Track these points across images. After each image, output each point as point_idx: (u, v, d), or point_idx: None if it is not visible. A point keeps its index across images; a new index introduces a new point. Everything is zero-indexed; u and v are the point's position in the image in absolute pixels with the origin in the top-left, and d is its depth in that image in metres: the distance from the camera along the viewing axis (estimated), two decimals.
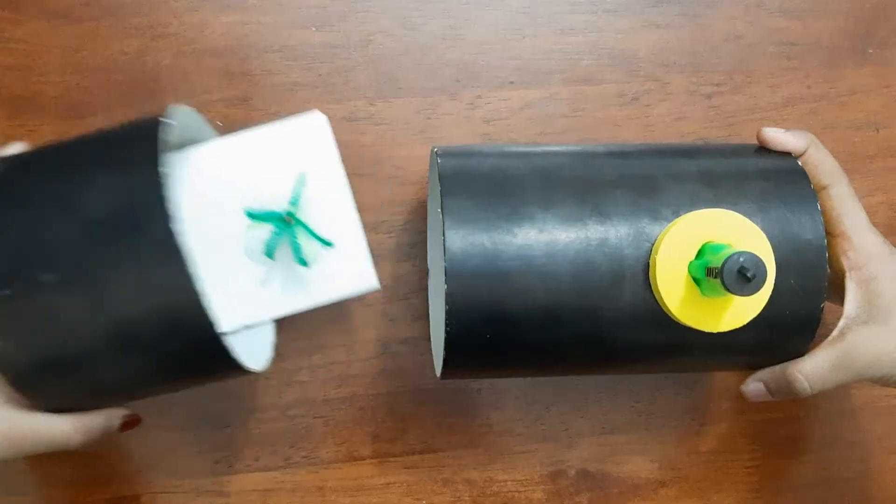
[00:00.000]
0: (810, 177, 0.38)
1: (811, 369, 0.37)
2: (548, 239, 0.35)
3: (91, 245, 0.32)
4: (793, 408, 0.49)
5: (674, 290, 0.35)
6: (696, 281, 0.34)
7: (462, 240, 0.35)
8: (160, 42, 0.45)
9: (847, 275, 0.38)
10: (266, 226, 0.39)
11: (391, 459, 0.47)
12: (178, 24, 0.46)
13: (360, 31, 0.46)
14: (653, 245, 0.35)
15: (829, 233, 0.38)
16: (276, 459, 0.46)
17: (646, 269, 0.35)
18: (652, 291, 0.35)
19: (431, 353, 0.46)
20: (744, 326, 0.35)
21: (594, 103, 0.48)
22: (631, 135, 0.48)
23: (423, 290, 0.47)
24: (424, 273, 0.47)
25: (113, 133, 0.36)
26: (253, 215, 0.38)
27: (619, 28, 0.48)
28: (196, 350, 0.34)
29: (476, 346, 0.36)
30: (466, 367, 0.39)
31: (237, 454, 0.46)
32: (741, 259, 0.31)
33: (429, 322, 0.46)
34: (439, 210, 0.36)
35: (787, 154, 0.39)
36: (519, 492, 0.47)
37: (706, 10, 0.49)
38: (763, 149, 0.40)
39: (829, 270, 0.37)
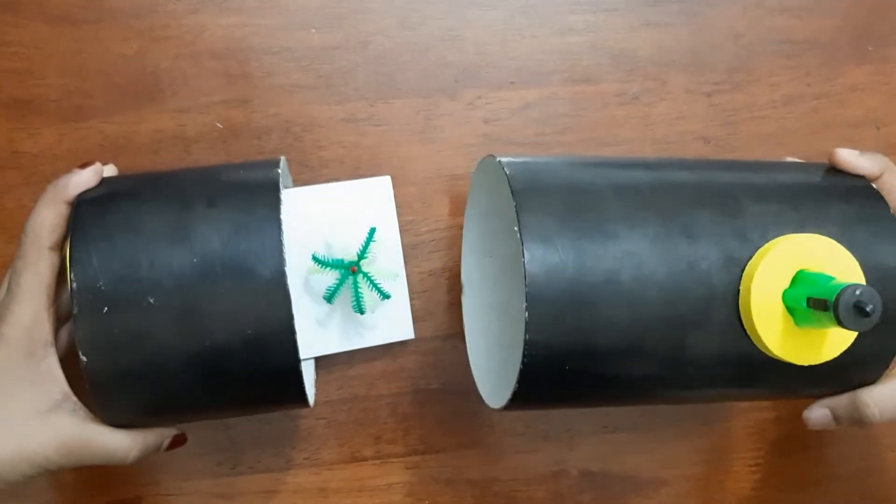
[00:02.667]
0: (888, 202, 0.37)
1: (882, 396, 0.36)
2: (636, 262, 0.32)
3: (200, 276, 0.33)
4: (795, 406, 0.49)
5: (768, 320, 0.32)
6: (791, 311, 0.33)
7: (543, 262, 0.32)
8: (160, 44, 0.45)
9: None
10: (329, 272, 0.40)
11: (393, 460, 0.47)
12: (177, 26, 0.46)
13: (360, 32, 0.46)
14: (743, 270, 0.33)
15: None
16: (279, 461, 0.46)
17: (735, 297, 0.33)
18: (740, 321, 0.33)
19: (472, 378, 0.43)
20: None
21: (594, 103, 0.48)
22: (631, 134, 0.48)
23: (424, 291, 0.47)
24: (425, 274, 0.47)
25: (228, 173, 0.37)
26: (320, 261, 0.40)
27: (619, 27, 0.48)
28: (274, 382, 0.35)
29: (553, 378, 0.33)
30: (536, 400, 0.36)
31: (239, 456, 0.46)
32: (858, 292, 0.30)
33: (447, 325, 0.46)
34: (515, 229, 0.32)
35: (860, 176, 0.38)
36: (521, 491, 0.48)
37: (706, 9, 0.49)
38: (834, 169, 0.38)
39: None
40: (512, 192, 0.33)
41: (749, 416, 0.49)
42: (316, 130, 0.46)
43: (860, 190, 0.37)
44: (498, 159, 0.35)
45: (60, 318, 0.37)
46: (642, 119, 0.48)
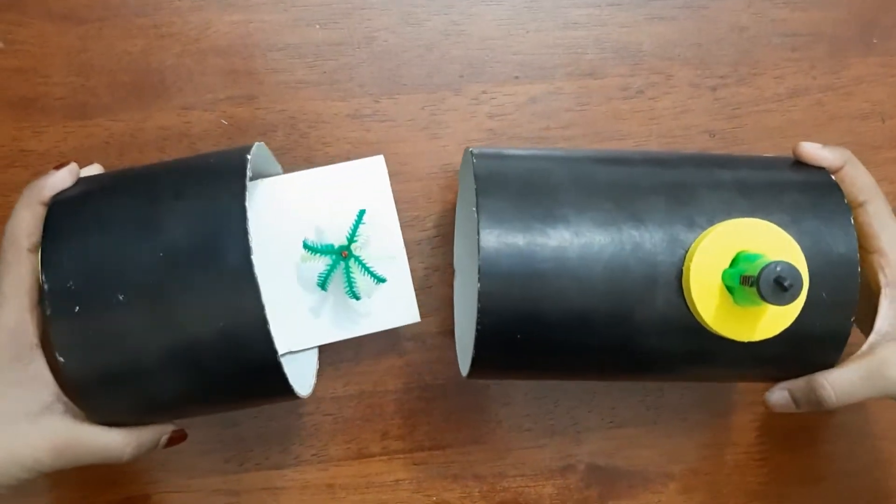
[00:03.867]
0: (846, 193, 0.38)
1: (839, 380, 0.37)
2: (582, 242, 0.35)
3: (168, 269, 0.33)
4: None
5: (707, 297, 0.34)
6: (730, 289, 0.34)
7: (497, 239, 0.35)
8: (164, 42, 0.45)
9: (882, 291, 0.38)
10: (321, 258, 0.40)
11: (400, 456, 0.47)
12: (181, 23, 0.46)
13: (364, 28, 0.46)
14: (687, 252, 0.35)
15: (866, 249, 0.38)
16: (286, 457, 0.46)
17: (679, 276, 0.35)
18: (684, 299, 0.35)
19: (455, 352, 0.46)
20: (773, 338, 0.35)
21: (598, 97, 0.48)
22: (636, 128, 0.48)
23: (430, 286, 0.47)
24: (430, 270, 0.47)
25: (197, 163, 0.37)
26: (310, 248, 0.40)
27: (623, 21, 0.48)
28: (254, 374, 0.35)
29: (506, 345, 0.36)
30: (494, 367, 0.39)
31: (246, 453, 0.46)
32: (778, 268, 0.31)
33: (453, 321, 0.46)
34: (473, 209, 0.36)
35: (822, 169, 0.39)
36: (529, 487, 0.47)
37: (710, 3, 0.48)
38: (799, 162, 0.40)
39: (865, 288, 0.37)
40: (475, 178, 0.36)
41: (756, 410, 0.49)
42: (321, 127, 0.46)
43: (818, 181, 0.38)
44: (470, 150, 0.38)
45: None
46: (647, 113, 0.48)
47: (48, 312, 0.33)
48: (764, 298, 0.31)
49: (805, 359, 0.38)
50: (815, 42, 0.49)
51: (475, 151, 0.38)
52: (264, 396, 0.39)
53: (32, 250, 0.35)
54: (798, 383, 0.38)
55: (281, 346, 0.41)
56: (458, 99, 0.47)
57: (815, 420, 0.49)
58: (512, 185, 0.36)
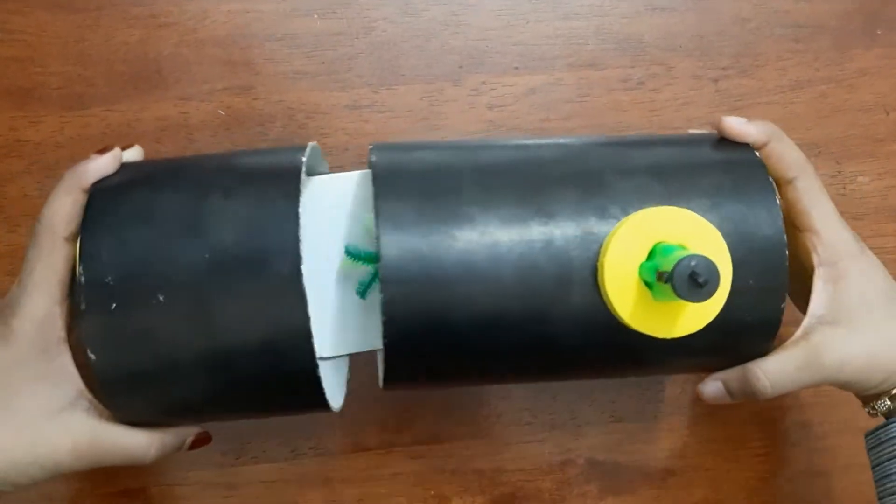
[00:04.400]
0: (774, 170, 0.36)
1: (773, 369, 0.35)
2: (489, 242, 0.33)
3: (212, 271, 0.32)
4: (803, 395, 0.48)
5: (624, 294, 0.33)
6: (648, 284, 0.32)
7: (398, 246, 0.32)
8: (162, 31, 0.45)
9: (815, 272, 0.36)
10: (362, 266, 0.38)
11: (399, 450, 0.46)
12: (179, 13, 0.45)
13: (363, 18, 0.46)
14: (601, 246, 0.33)
15: (798, 228, 0.37)
16: (283, 451, 0.46)
17: (595, 272, 0.33)
18: (601, 295, 0.33)
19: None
20: (702, 330, 0.33)
21: (599, 88, 0.47)
22: (637, 120, 0.48)
23: None
24: None
25: (248, 161, 0.36)
26: (353, 254, 0.37)
27: (624, 12, 0.48)
28: (290, 385, 0.34)
29: (417, 355, 0.34)
30: (409, 378, 0.37)
31: (244, 446, 0.46)
32: (693, 263, 0.29)
33: None
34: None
35: (746, 146, 0.37)
36: (528, 481, 0.47)
37: None
38: (723, 140, 0.37)
39: (799, 267, 0.36)
40: (373, 178, 0.34)
41: (757, 405, 0.48)
42: (319, 118, 0.46)
43: (740, 159, 0.36)
44: (370, 146, 0.36)
45: (74, 313, 0.35)
46: (648, 105, 0.48)
47: (83, 307, 0.32)
48: (679, 296, 0.30)
49: (737, 349, 0.36)
50: (819, 34, 0.49)
51: (377, 147, 0.36)
52: (297, 408, 0.38)
53: (70, 239, 0.33)
54: (732, 374, 0.37)
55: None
56: (457, 90, 0.47)
57: (816, 415, 0.49)
58: (414, 184, 0.34)
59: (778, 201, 0.35)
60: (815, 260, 0.36)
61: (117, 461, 0.34)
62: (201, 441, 0.38)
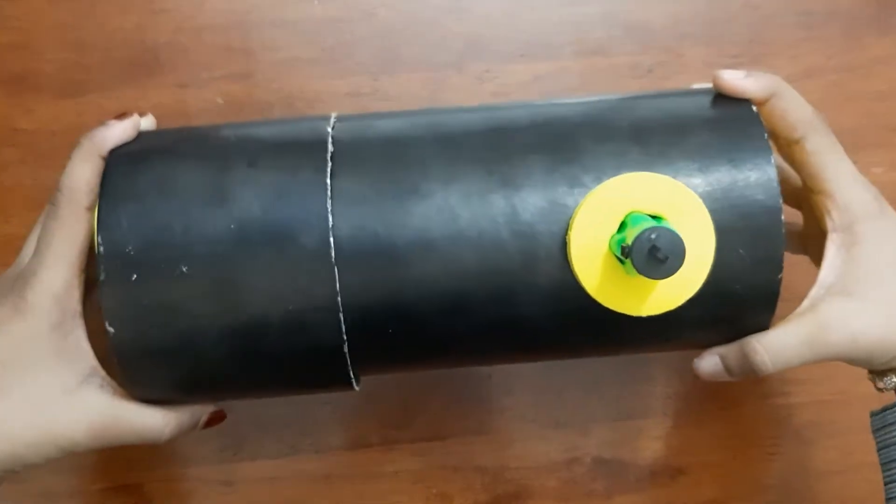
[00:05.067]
0: (779, 129, 0.33)
1: (775, 343, 0.32)
2: (447, 218, 0.31)
3: (237, 244, 0.30)
4: (814, 391, 0.47)
5: (593, 269, 0.30)
6: (620, 259, 0.30)
7: (350, 225, 0.31)
8: (159, 18, 0.44)
9: (829, 237, 0.33)
10: None
11: (400, 446, 0.46)
12: None
13: (364, 3, 0.45)
14: (570, 219, 0.31)
15: (812, 190, 0.34)
16: (283, 447, 0.45)
17: (563, 248, 0.31)
18: (571, 272, 0.31)
19: None
20: (689, 303, 0.31)
21: (606, 76, 0.46)
22: None
23: None
24: None
25: (273, 130, 0.34)
26: None
27: None
28: (316, 361, 0.32)
29: (378, 340, 0.32)
30: (374, 363, 0.35)
31: (242, 442, 0.45)
32: (653, 236, 0.27)
33: None
34: None
35: (744, 101, 0.33)
36: (532, 480, 0.46)
37: None
38: (720, 97, 0.34)
39: (819, 232, 0.34)
40: (330, 155, 0.32)
41: (768, 401, 0.47)
42: (319, 105, 0.45)
43: (735, 117, 0.33)
44: (334, 117, 0.34)
45: (88, 286, 0.34)
46: None
47: (102, 277, 0.30)
48: (639, 272, 0.27)
49: (733, 323, 0.33)
50: (831, 21, 0.48)
51: (338, 117, 0.34)
52: (321, 385, 0.36)
53: (91, 208, 0.32)
54: (731, 348, 0.34)
55: None
56: (460, 78, 0.46)
57: (829, 412, 0.47)
58: (374, 158, 0.32)
59: (773, 162, 0.31)
60: (829, 224, 0.33)
61: (131, 440, 0.33)
62: (216, 419, 0.37)
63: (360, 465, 0.45)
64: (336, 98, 0.45)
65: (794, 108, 0.33)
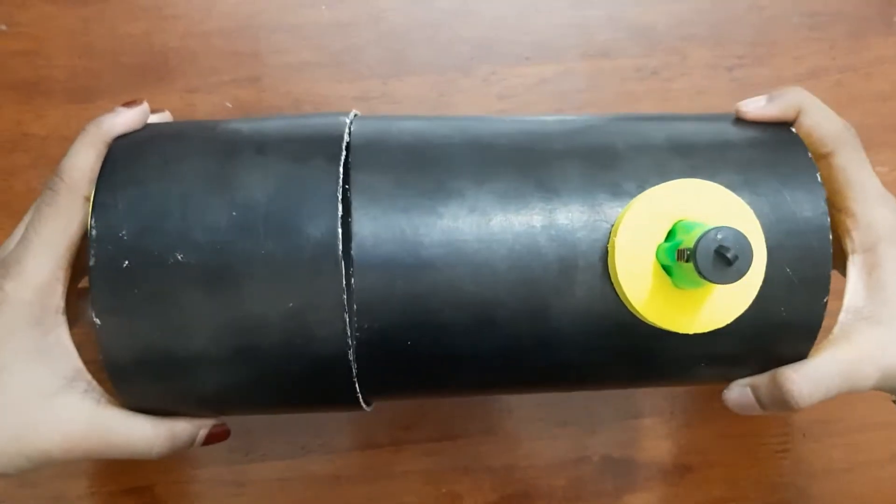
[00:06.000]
0: (808, 145, 0.32)
1: (812, 374, 0.30)
2: (480, 220, 0.28)
3: (238, 232, 0.28)
4: None
5: (638, 280, 0.28)
6: (667, 269, 0.28)
7: (373, 222, 0.28)
8: (168, 23, 0.45)
9: (850, 258, 0.32)
10: None
11: (409, 446, 0.46)
12: (185, 4, 0.45)
13: (371, 7, 0.45)
14: (612, 226, 0.29)
15: (835, 208, 0.32)
16: (293, 448, 0.45)
17: (604, 257, 0.29)
18: (611, 284, 0.29)
19: None
20: (728, 328, 0.29)
21: (612, 78, 0.47)
22: (650, 110, 0.47)
23: None
24: None
25: (288, 122, 0.32)
26: None
27: (637, 0, 0.47)
28: (318, 367, 0.29)
29: (394, 356, 0.29)
30: (385, 385, 0.32)
31: (253, 443, 0.45)
32: (719, 236, 0.25)
33: None
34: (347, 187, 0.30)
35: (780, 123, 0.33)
36: (541, 479, 0.46)
37: None
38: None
39: (843, 251, 0.32)
40: (349, 150, 0.30)
41: None
42: (327, 109, 0.45)
43: (773, 133, 0.32)
44: (353, 113, 0.32)
45: (74, 280, 0.31)
46: (662, 94, 0.47)
47: (91, 262, 0.28)
48: (702, 275, 0.25)
49: (771, 351, 0.31)
50: (835, 21, 0.48)
51: (357, 116, 0.32)
52: (326, 400, 0.32)
53: (88, 198, 0.29)
54: (762, 379, 0.32)
55: None
56: (467, 80, 0.46)
57: (837, 411, 0.48)
58: (397, 154, 0.30)
59: (820, 179, 0.30)
60: (849, 245, 0.32)
61: (117, 454, 0.30)
62: (218, 436, 0.33)
63: (370, 466, 0.45)
64: (344, 102, 0.45)
65: (820, 124, 0.32)
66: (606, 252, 0.29)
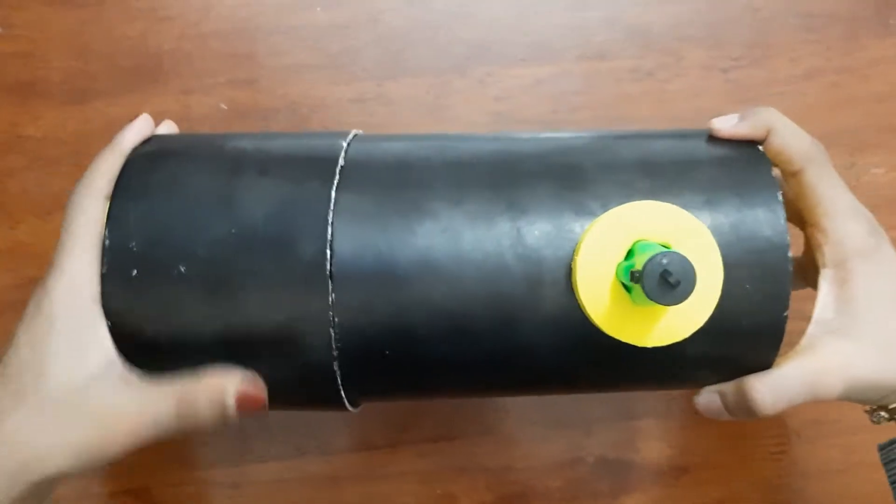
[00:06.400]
0: (778, 163, 0.33)
1: (776, 383, 0.32)
2: (451, 238, 0.30)
3: (237, 248, 0.30)
4: None
5: (599, 296, 0.30)
6: (626, 287, 0.30)
7: (352, 241, 0.30)
8: (164, 25, 0.45)
9: (821, 272, 0.33)
10: None
11: (405, 448, 0.46)
12: (181, 6, 0.45)
13: (367, 9, 0.45)
14: (576, 245, 0.30)
15: (807, 223, 0.34)
16: (288, 449, 0.45)
17: (568, 274, 0.30)
18: (575, 299, 0.30)
19: None
20: (692, 339, 0.30)
21: (608, 79, 0.47)
22: (646, 111, 0.47)
23: None
24: None
25: (289, 142, 0.34)
26: None
27: (633, 1, 0.47)
28: (307, 376, 0.32)
29: (374, 364, 0.32)
30: (368, 390, 0.34)
31: (248, 444, 0.45)
32: (664, 260, 0.27)
33: None
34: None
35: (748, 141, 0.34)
36: (536, 480, 0.46)
37: None
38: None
39: (816, 265, 0.33)
40: (339, 170, 0.32)
41: None
42: (323, 111, 0.45)
43: (740, 153, 0.33)
44: (353, 133, 0.34)
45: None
46: (657, 96, 0.47)
47: (104, 270, 0.31)
48: (649, 297, 0.27)
49: (736, 361, 0.33)
50: (831, 23, 0.48)
51: (356, 135, 0.34)
52: (314, 402, 0.35)
53: (109, 198, 0.32)
54: (729, 386, 0.33)
55: None
56: (463, 82, 0.46)
57: (832, 412, 0.48)
58: (379, 175, 0.32)
59: (780, 198, 0.31)
60: (820, 260, 0.33)
61: (145, 432, 0.31)
62: (252, 401, 0.32)
63: (366, 467, 0.46)
64: (340, 104, 0.45)
65: (791, 141, 0.33)
66: (571, 269, 0.30)
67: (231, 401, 0.31)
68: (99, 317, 0.31)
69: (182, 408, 0.31)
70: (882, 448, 0.37)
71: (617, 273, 0.30)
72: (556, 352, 0.32)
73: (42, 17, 0.44)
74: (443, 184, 0.31)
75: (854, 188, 0.47)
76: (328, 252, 0.30)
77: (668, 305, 0.27)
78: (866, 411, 0.36)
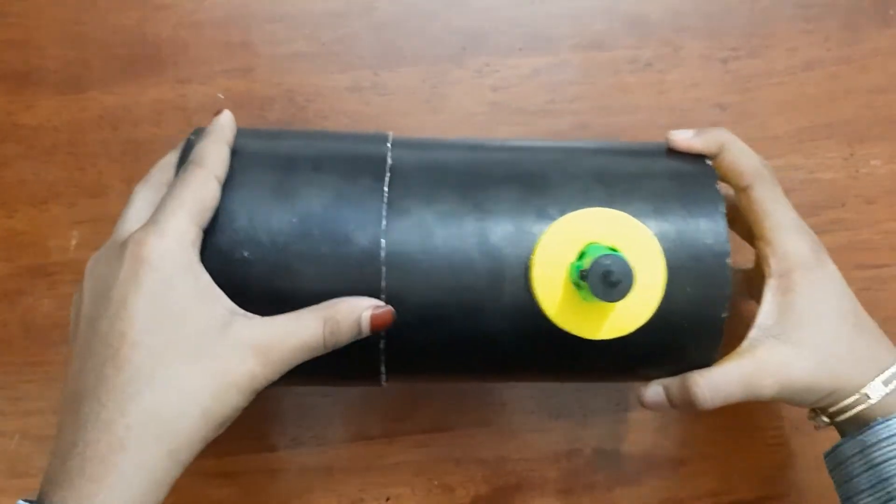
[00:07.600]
0: (729, 179, 0.36)
1: (714, 380, 0.35)
2: (425, 234, 0.34)
3: (298, 237, 0.33)
4: None
5: (552, 292, 0.33)
6: (577, 285, 0.33)
7: (401, 232, 0.34)
8: (160, 13, 0.45)
9: (766, 282, 0.36)
10: None
11: (401, 439, 0.46)
12: None
13: None
14: (534, 246, 0.34)
15: (755, 235, 0.37)
16: (284, 439, 0.45)
17: (526, 272, 0.34)
18: (532, 294, 0.34)
19: None
20: (637, 335, 0.34)
21: (605, 69, 0.46)
22: (643, 101, 0.47)
23: None
24: None
25: (339, 141, 0.37)
26: None
27: None
28: (353, 355, 0.34)
29: (412, 344, 0.35)
30: (403, 367, 0.37)
31: (243, 435, 0.45)
32: (607, 262, 0.31)
33: None
34: None
35: (701, 156, 0.37)
36: (533, 471, 0.46)
37: None
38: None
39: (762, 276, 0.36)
40: (389, 167, 0.35)
41: None
42: (319, 100, 0.45)
43: (690, 167, 0.36)
44: (390, 135, 0.37)
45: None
46: (655, 86, 0.47)
47: None
48: (593, 293, 0.31)
49: (680, 357, 0.36)
50: (830, 13, 0.48)
51: (391, 140, 0.37)
52: (352, 379, 0.39)
53: (220, 180, 0.33)
54: (674, 380, 0.36)
55: None
56: (460, 71, 0.46)
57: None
58: (417, 175, 0.35)
59: (722, 210, 0.35)
60: (766, 270, 0.36)
61: (300, 353, 0.32)
62: (382, 318, 0.33)
63: (362, 458, 0.45)
64: (337, 92, 0.45)
65: (741, 160, 0.36)
66: (529, 267, 0.34)
67: (367, 320, 0.33)
68: (205, 272, 0.32)
69: (328, 327, 0.32)
70: (827, 455, 0.39)
71: (570, 272, 0.33)
72: (516, 342, 0.35)
73: (37, 5, 0.44)
74: (417, 186, 0.34)
75: (852, 180, 0.48)
76: (382, 241, 0.33)
77: (610, 302, 0.31)
78: (809, 417, 0.39)
